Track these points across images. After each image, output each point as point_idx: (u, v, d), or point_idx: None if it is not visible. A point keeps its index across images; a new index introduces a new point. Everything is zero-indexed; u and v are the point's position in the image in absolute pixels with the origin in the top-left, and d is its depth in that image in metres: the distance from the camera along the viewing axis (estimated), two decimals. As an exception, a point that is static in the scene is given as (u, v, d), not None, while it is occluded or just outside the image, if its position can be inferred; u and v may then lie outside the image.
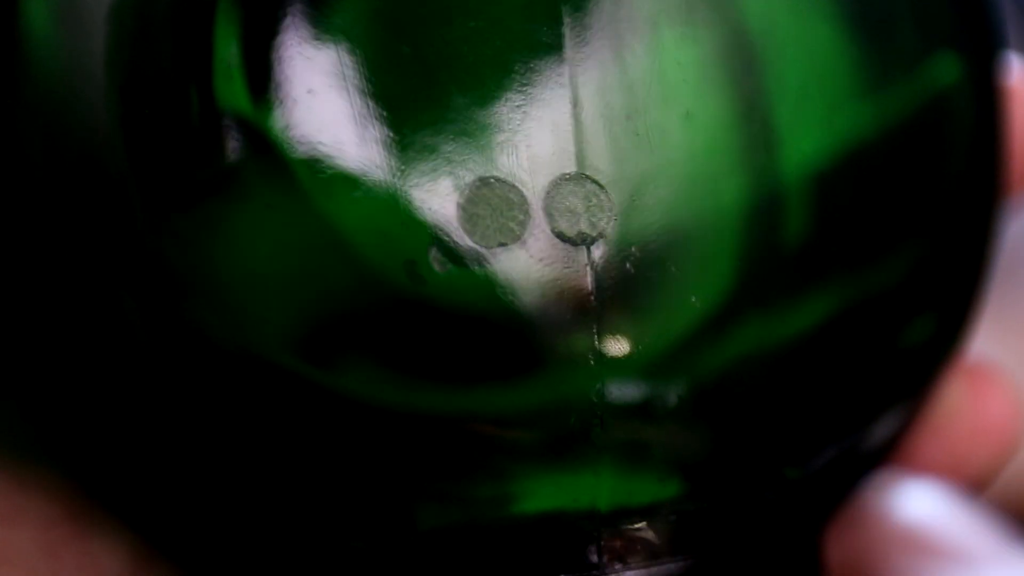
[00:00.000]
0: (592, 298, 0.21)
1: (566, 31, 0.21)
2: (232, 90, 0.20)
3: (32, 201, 0.21)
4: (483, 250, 0.21)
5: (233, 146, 0.20)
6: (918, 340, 0.23)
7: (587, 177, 0.21)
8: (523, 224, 0.21)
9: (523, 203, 0.21)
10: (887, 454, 0.23)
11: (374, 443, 0.21)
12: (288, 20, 0.20)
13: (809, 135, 0.22)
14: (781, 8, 0.22)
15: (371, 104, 0.20)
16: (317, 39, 0.20)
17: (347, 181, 0.20)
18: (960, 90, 0.23)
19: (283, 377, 0.21)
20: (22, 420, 0.23)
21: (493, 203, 0.21)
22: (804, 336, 0.22)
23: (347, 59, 0.20)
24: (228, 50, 0.20)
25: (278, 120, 0.20)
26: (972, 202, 0.23)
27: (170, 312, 0.20)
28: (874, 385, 0.23)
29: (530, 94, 0.21)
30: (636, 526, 0.21)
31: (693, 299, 0.21)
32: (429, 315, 0.21)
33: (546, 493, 0.22)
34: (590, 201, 0.21)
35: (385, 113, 0.21)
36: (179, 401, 0.21)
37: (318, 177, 0.20)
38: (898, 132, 0.22)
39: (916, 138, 0.23)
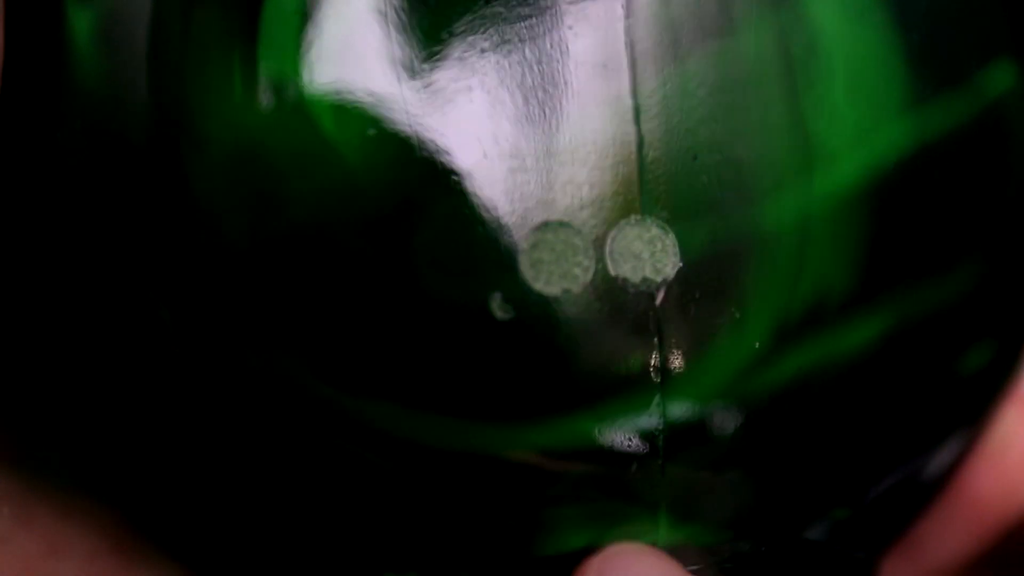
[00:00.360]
0: (656, 343, 0.21)
1: (631, 72, 0.20)
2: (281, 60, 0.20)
3: (76, 218, 0.20)
4: (547, 295, 0.20)
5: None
6: (976, 366, 0.23)
7: (652, 221, 0.21)
8: (587, 269, 0.20)
9: (587, 248, 0.20)
10: (942, 484, 0.23)
11: (433, 483, 0.21)
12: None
13: (866, 148, 0.22)
14: (838, 25, 0.21)
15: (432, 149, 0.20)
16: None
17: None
18: (1016, 97, 0.23)
19: (331, 411, 0.20)
20: (66, 453, 0.22)
21: (557, 248, 0.20)
22: (861, 360, 0.22)
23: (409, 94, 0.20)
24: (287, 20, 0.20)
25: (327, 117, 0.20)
26: None
27: (210, 334, 0.20)
28: (931, 413, 0.23)
29: (595, 135, 0.20)
30: (692, 568, 0.21)
31: (757, 343, 0.21)
32: (490, 354, 0.20)
33: (601, 533, 0.21)
34: (654, 246, 0.21)
35: (451, 155, 0.20)
36: (221, 430, 0.21)
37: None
38: (954, 142, 0.22)
39: (973, 148, 0.22)
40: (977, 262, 0.22)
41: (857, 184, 0.21)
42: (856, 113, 0.21)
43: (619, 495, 0.21)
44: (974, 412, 0.23)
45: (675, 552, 0.21)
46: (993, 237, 0.23)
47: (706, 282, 0.21)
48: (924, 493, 0.23)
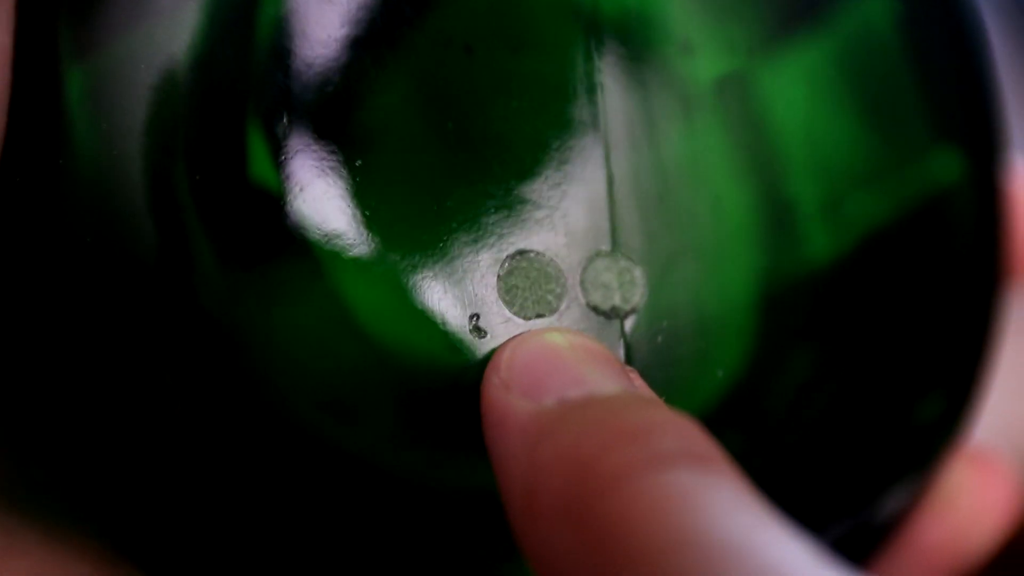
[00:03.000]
0: None
1: (603, 113, 0.22)
2: (263, 175, 0.21)
3: (75, 278, 0.20)
4: (520, 321, 0.21)
5: (269, 226, 0.21)
6: (928, 417, 0.24)
7: (621, 254, 0.22)
8: (560, 297, 0.22)
9: (560, 276, 0.22)
10: (892, 533, 0.24)
11: (426, 520, 0.21)
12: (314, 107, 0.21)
13: (823, 220, 0.23)
14: (800, 100, 0.23)
15: (412, 179, 0.21)
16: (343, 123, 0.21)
17: (371, 258, 0.21)
18: (962, 189, 0.24)
19: (317, 446, 0.21)
20: (52, 481, 0.22)
21: (531, 276, 0.21)
22: (820, 410, 0.23)
23: (380, 136, 0.21)
24: (257, 137, 0.21)
25: (301, 204, 0.21)
26: (974, 290, 0.24)
27: (206, 381, 0.21)
28: (885, 461, 0.24)
29: (568, 172, 0.22)
30: None
31: (720, 372, 0.22)
32: (458, 388, 0.21)
33: None
34: (623, 277, 0.22)
35: (427, 188, 0.21)
36: (211, 463, 0.21)
37: (338, 257, 0.21)
38: (903, 222, 0.23)
39: (920, 228, 0.24)
40: (924, 326, 0.24)
41: (816, 251, 0.23)
42: (816, 187, 0.23)
43: None
44: (925, 461, 0.24)
45: None
46: (936, 307, 0.24)
47: (672, 313, 0.22)
48: (874, 541, 0.24)
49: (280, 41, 0.21)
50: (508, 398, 0.19)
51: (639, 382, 0.20)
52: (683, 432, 0.18)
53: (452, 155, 0.21)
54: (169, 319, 0.20)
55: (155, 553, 0.22)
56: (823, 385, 0.23)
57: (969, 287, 0.24)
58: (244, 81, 0.21)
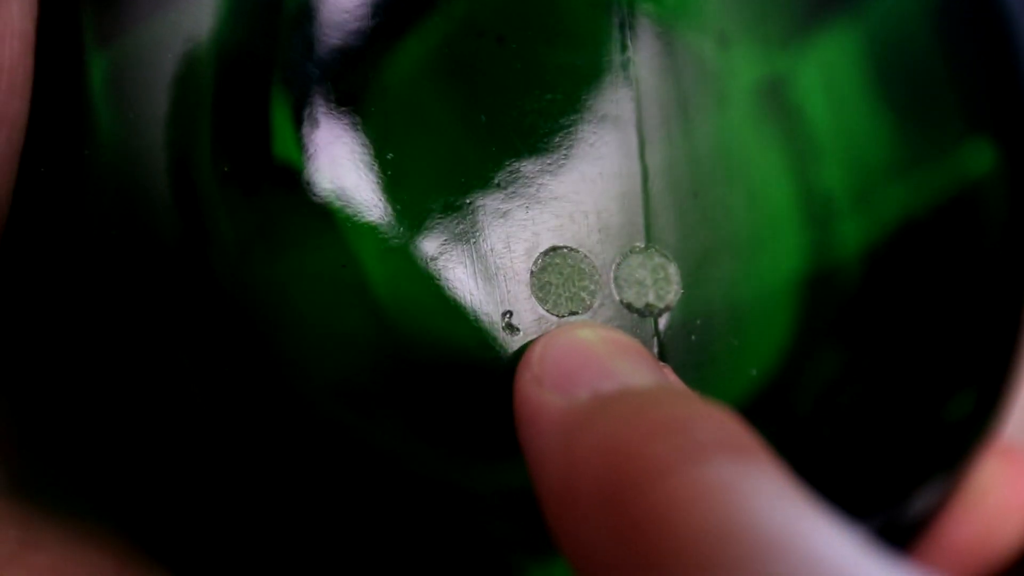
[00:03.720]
0: None
1: (637, 107, 0.22)
2: (290, 161, 0.20)
3: (100, 269, 0.20)
4: (554, 318, 0.21)
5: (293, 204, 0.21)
6: (959, 414, 0.24)
7: (655, 250, 0.22)
8: (593, 294, 0.21)
9: (594, 273, 0.21)
10: (923, 530, 0.24)
11: (449, 519, 0.21)
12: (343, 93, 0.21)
13: (856, 213, 0.23)
14: (834, 92, 0.23)
15: (443, 171, 0.21)
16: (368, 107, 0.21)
17: (400, 249, 0.21)
18: (994, 181, 0.24)
19: (342, 438, 0.21)
20: (69, 471, 0.22)
21: (565, 272, 0.21)
22: (850, 407, 0.23)
23: (411, 127, 0.21)
24: (284, 123, 0.20)
25: (331, 195, 0.21)
26: (1005, 284, 0.24)
27: (231, 368, 0.20)
28: (915, 458, 0.23)
29: (602, 166, 0.21)
30: None
31: (753, 371, 0.22)
32: (488, 384, 0.21)
33: None
34: (657, 274, 0.22)
35: (458, 180, 0.21)
36: (231, 454, 0.21)
37: (367, 247, 0.21)
38: (934, 214, 0.23)
39: (951, 221, 0.23)
40: (955, 319, 0.24)
41: (852, 245, 0.23)
42: (851, 180, 0.23)
43: None
44: (956, 458, 0.24)
45: None
46: (968, 299, 0.24)
47: (707, 311, 0.22)
48: (904, 539, 0.24)
49: (306, 27, 0.20)
50: (541, 393, 0.19)
51: (673, 377, 0.20)
52: (721, 423, 0.18)
53: (484, 148, 0.21)
54: (194, 305, 0.20)
55: (169, 538, 0.22)
56: (853, 381, 0.23)
57: (1000, 281, 0.24)
58: (270, 68, 0.20)
